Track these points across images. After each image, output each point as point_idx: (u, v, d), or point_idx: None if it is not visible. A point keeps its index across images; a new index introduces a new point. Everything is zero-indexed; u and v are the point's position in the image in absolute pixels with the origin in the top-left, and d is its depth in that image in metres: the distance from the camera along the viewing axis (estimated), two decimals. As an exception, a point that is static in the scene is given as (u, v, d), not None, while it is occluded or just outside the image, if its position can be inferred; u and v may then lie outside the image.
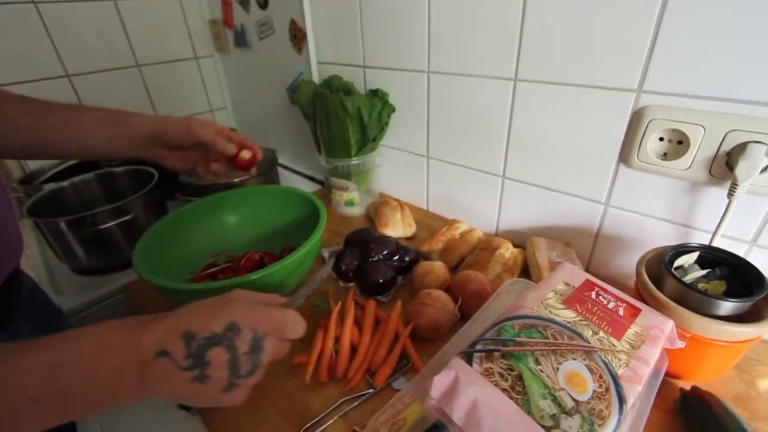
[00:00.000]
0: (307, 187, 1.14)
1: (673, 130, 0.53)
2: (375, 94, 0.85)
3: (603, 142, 0.61)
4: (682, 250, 0.50)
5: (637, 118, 0.56)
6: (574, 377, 0.35)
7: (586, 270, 0.56)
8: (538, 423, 0.32)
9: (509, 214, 0.79)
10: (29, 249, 0.92)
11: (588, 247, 0.70)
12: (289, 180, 1.20)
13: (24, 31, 0.96)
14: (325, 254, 0.76)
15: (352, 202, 0.92)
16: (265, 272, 0.50)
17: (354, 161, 0.86)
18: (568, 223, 0.71)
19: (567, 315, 0.41)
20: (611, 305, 0.42)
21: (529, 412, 0.33)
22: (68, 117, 0.56)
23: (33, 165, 1.02)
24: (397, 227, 0.83)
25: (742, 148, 0.49)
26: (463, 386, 0.34)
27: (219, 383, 0.35)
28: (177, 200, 0.88)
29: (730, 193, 0.50)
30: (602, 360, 0.36)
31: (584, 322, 0.40)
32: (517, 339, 0.38)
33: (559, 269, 0.48)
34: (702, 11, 0.47)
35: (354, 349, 0.55)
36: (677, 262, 0.49)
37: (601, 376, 0.35)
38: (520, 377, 0.35)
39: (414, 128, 0.86)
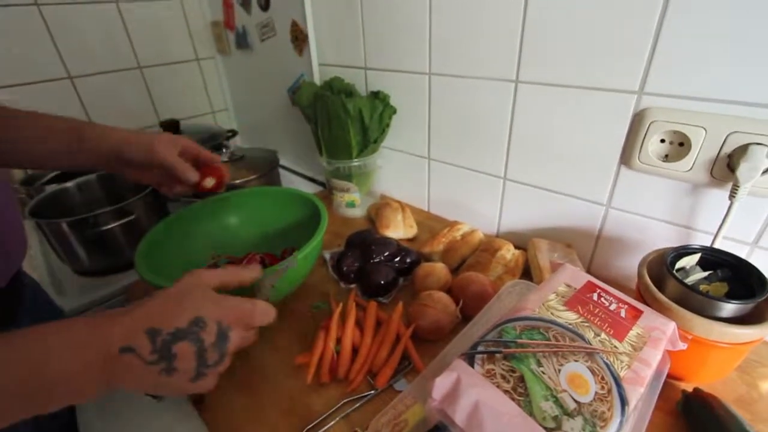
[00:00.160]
0: (308, 189, 1.14)
1: (675, 132, 0.53)
2: (376, 95, 0.85)
3: (604, 143, 0.61)
4: (684, 251, 0.50)
5: (638, 119, 0.56)
6: (576, 379, 0.35)
7: (588, 271, 0.56)
8: (540, 424, 0.32)
9: (510, 215, 0.79)
10: (31, 250, 0.92)
11: (589, 248, 0.70)
12: (290, 181, 1.20)
13: (27, 33, 0.97)
14: (326, 256, 0.76)
15: (353, 203, 0.92)
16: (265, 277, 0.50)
17: (355, 163, 0.86)
18: (569, 225, 0.71)
19: (569, 317, 0.41)
20: (613, 307, 0.42)
21: (531, 414, 0.33)
22: (23, 126, 0.53)
23: (35, 166, 1.02)
24: (398, 229, 0.83)
25: (743, 149, 0.49)
26: (464, 388, 0.34)
27: (186, 374, 0.36)
28: (178, 201, 0.88)
29: (732, 195, 0.50)
30: (604, 362, 0.36)
31: (586, 324, 0.40)
32: (519, 340, 0.38)
33: (560, 271, 0.48)
34: (703, 13, 0.47)
35: (355, 351, 0.55)
36: (679, 264, 0.49)
37: (603, 378, 0.35)
38: (521, 379, 0.35)
39: (415, 130, 0.86)
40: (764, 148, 0.47)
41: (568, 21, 0.57)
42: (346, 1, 0.84)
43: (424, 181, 0.92)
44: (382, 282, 0.65)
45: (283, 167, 1.25)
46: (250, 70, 1.24)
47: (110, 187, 0.91)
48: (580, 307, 0.42)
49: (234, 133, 1.14)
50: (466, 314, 0.57)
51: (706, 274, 0.48)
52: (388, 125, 0.87)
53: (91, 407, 0.54)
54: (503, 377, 0.35)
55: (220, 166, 0.63)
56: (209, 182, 0.61)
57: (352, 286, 0.69)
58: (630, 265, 0.66)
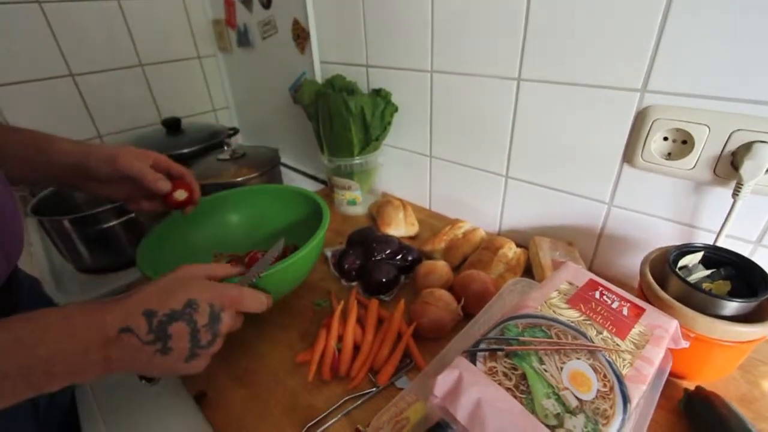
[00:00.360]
0: (310, 187, 1.14)
1: (678, 130, 0.53)
2: (378, 93, 0.85)
3: (607, 141, 0.60)
4: (687, 249, 0.50)
5: (641, 117, 0.56)
6: (578, 376, 0.35)
7: (589, 270, 0.56)
8: (542, 422, 0.32)
9: (512, 213, 0.79)
10: (33, 247, 0.92)
11: (591, 246, 0.70)
12: (291, 179, 1.20)
13: (28, 31, 0.97)
14: (328, 253, 0.76)
15: (354, 201, 0.92)
16: (268, 272, 0.50)
17: (357, 161, 0.86)
18: (571, 223, 0.71)
19: (571, 314, 0.41)
20: (615, 305, 0.42)
21: (533, 412, 0.33)
22: None
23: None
24: (399, 227, 0.83)
25: (747, 147, 0.48)
26: (467, 385, 0.34)
27: (181, 354, 0.38)
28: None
29: (735, 193, 0.50)
30: (606, 359, 0.36)
31: (588, 322, 0.40)
32: (521, 338, 0.38)
33: (562, 269, 0.48)
34: (706, 10, 0.47)
35: (357, 348, 0.55)
36: (681, 262, 0.49)
37: (605, 376, 0.35)
38: (524, 376, 0.35)
39: (417, 128, 0.86)
40: (768, 145, 0.47)
41: (571, 18, 0.57)
42: (347, -2, 0.84)
43: (425, 179, 0.92)
44: (384, 280, 0.65)
45: (285, 165, 1.25)
46: (252, 68, 1.24)
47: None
48: (582, 305, 0.42)
49: (235, 130, 1.14)
50: (468, 312, 0.57)
51: (708, 272, 0.48)
52: (389, 123, 0.87)
53: (92, 405, 0.54)
54: (505, 375, 0.35)
55: (192, 180, 0.60)
56: (181, 195, 0.58)
57: (354, 284, 0.69)
58: (632, 263, 0.66)
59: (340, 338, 0.55)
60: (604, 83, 0.57)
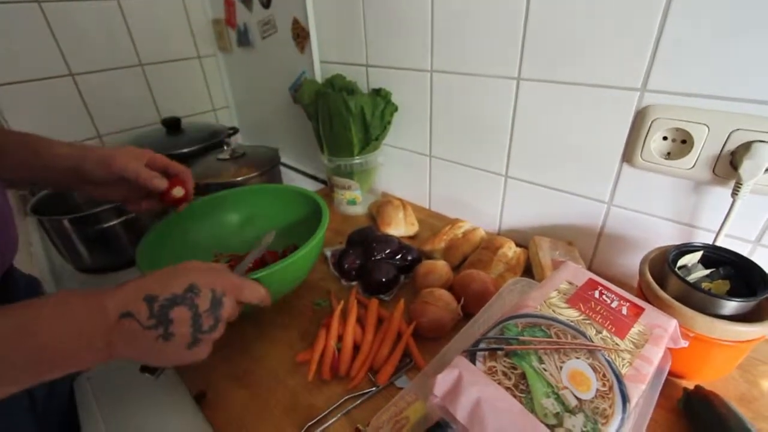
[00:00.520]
0: (310, 186, 1.14)
1: (677, 130, 0.53)
2: (378, 93, 0.85)
3: (606, 141, 0.60)
4: (686, 249, 0.50)
5: (640, 117, 0.56)
6: (577, 376, 0.35)
7: (589, 269, 0.56)
8: (542, 421, 0.32)
9: (512, 213, 0.79)
10: (32, 247, 0.92)
11: (591, 246, 0.70)
12: (291, 179, 1.20)
13: (28, 30, 0.96)
14: (328, 253, 0.76)
15: (354, 201, 0.92)
16: (267, 271, 0.50)
17: (356, 160, 0.86)
18: (570, 223, 0.71)
19: (570, 314, 0.41)
20: (615, 304, 0.42)
21: (532, 411, 0.33)
22: None
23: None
24: (399, 226, 0.83)
25: (746, 147, 0.48)
26: (466, 384, 0.34)
27: (183, 339, 0.38)
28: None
29: (734, 193, 0.50)
30: (606, 359, 0.36)
31: (588, 321, 0.40)
32: (521, 338, 0.38)
33: (562, 268, 0.48)
34: (706, 10, 0.47)
35: (357, 348, 0.55)
36: (681, 262, 0.49)
37: (604, 375, 0.35)
38: (523, 376, 0.35)
39: (417, 127, 0.86)
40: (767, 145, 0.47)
41: (570, 17, 0.57)
42: (347, -2, 0.84)
43: (425, 178, 0.92)
44: (384, 279, 0.65)
45: (285, 165, 1.25)
46: (252, 67, 1.24)
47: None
48: (581, 305, 0.42)
49: (235, 130, 1.14)
50: (468, 312, 0.58)
51: (708, 272, 0.48)
52: (389, 123, 0.87)
53: (91, 402, 0.54)
54: (505, 374, 0.35)
55: (188, 177, 0.60)
56: (178, 192, 0.58)
57: (354, 283, 0.69)
58: (631, 262, 0.66)
59: (340, 338, 0.55)
60: (603, 82, 0.57)
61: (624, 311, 0.42)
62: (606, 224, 0.67)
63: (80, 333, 0.34)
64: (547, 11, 0.59)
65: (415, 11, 0.74)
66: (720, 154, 0.51)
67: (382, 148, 0.91)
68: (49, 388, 0.55)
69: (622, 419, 0.32)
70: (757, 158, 0.47)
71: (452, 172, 0.85)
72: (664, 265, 0.48)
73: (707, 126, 0.50)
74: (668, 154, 0.55)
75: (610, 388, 0.34)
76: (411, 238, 0.85)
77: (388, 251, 0.71)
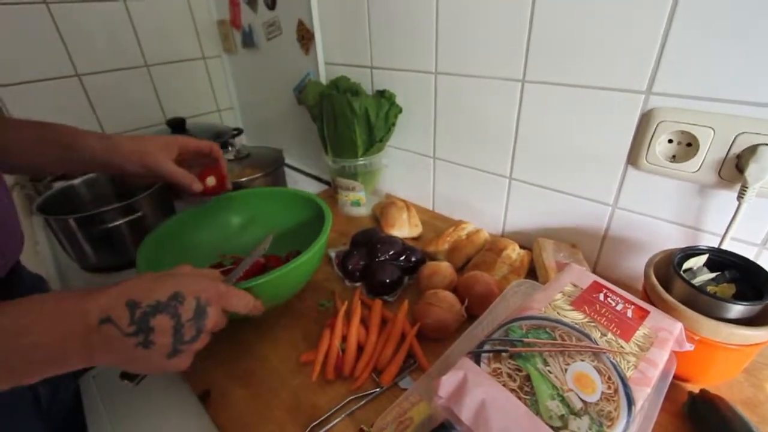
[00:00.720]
0: (314, 188, 1.14)
1: (683, 132, 0.53)
2: (382, 94, 0.85)
3: (611, 143, 0.60)
4: (691, 252, 0.49)
5: (645, 120, 0.56)
6: (582, 378, 0.35)
7: (593, 272, 0.56)
8: (547, 423, 0.32)
9: (516, 215, 0.79)
10: (39, 246, 0.93)
11: (595, 248, 0.70)
12: (295, 180, 1.20)
13: (35, 31, 0.97)
14: (332, 254, 0.76)
15: (358, 202, 0.93)
16: (269, 277, 0.49)
17: (361, 162, 0.86)
18: (575, 225, 0.71)
19: (575, 316, 0.41)
20: (619, 307, 0.42)
21: (537, 413, 0.33)
22: (13, 136, 0.52)
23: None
24: (403, 228, 0.83)
25: (752, 150, 0.48)
26: (471, 386, 0.34)
27: (163, 349, 0.37)
28: (184, 200, 0.89)
29: (740, 196, 0.50)
30: (611, 361, 0.36)
31: (592, 324, 0.40)
32: (525, 340, 0.38)
33: (566, 271, 0.48)
34: (712, 12, 0.47)
35: (361, 349, 0.55)
36: (686, 265, 0.49)
37: (609, 378, 0.35)
38: (528, 378, 0.35)
39: (421, 129, 0.86)
40: (773, 148, 0.47)
41: (576, 20, 0.57)
42: (353, 0, 0.85)
43: (429, 180, 0.92)
44: (388, 280, 0.65)
45: (289, 166, 1.25)
46: (256, 68, 1.24)
47: (118, 184, 0.92)
48: (586, 307, 0.42)
49: (239, 131, 1.15)
50: (472, 313, 0.58)
51: (713, 275, 0.48)
52: (393, 124, 0.87)
53: (98, 402, 0.55)
54: (510, 376, 0.35)
55: (221, 165, 0.62)
56: (210, 181, 0.60)
57: (358, 284, 0.69)
58: (636, 265, 0.65)
59: (344, 338, 0.56)
60: (609, 85, 0.57)
61: (629, 314, 0.42)
62: (610, 227, 0.67)
63: (60, 335, 0.33)
64: (552, 13, 0.59)
65: (420, 13, 0.74)
66: (726, 158, 0.51)
67: (386, 149, 0.91)
68: (54, 385, 0.55)
69: (628, 422, 0.32)
70: (763, 161, 0.47)
71: (456, 173, 0.85)
72: (669, 268, 0.48)
73: (713, 129, 0.50)
74: (673, 156, 0.55)
75: (615, 390, 0.34)
76: (415, 239, 0.85)
77: (392, 252, 0.71)
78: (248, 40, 1.19)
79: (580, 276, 0.47)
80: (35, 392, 0.51)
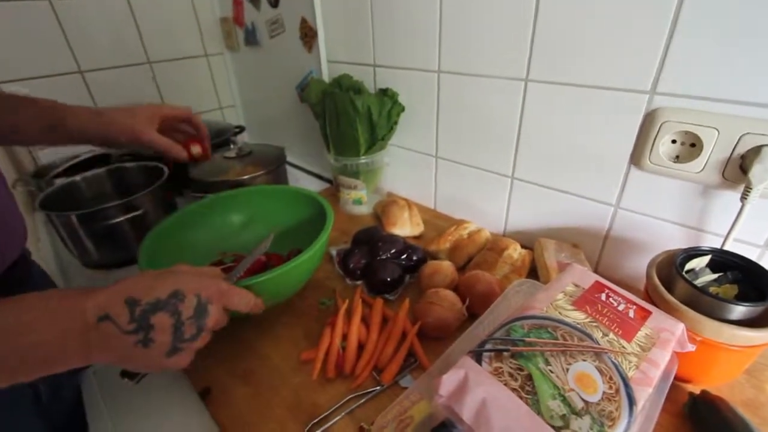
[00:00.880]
0: (315, 186, 1.14)
1: (686, 133, 0.53)
2: (385, 93, 0.85)
3: (614, 143, 0.60)
4: (694, 253, 0.49)
5: (649, 120, 0.55)
6: (583, 378, 0.35)
7: (595, 272, 0.56)
8: (548, 423, 0.32)
9: (517, 214, 0.79)
10: (41, 242, 0.93)
11: (597, 249, 0.70)
12: (297, 178, 1.20)
13: (39, 28, 0.97)
14: (333, 252, 0.76)
15: (360, 200, 0.93)
16: (270, 275, 0.50)
17: (363, 160, 0.86)
18: (577, 225, 0.71)
19: (577, 316, 0.41)
20: (621, 307, 0.42)
21: (538, 412, 0.33)
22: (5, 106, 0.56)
23: (45, 159, 1.04)
24: (404, 226, 0.83)
25: (756, 151, 0.48)
26: (472, 385, 0.34)
27: (162, 347, 0.36)
28: (186, 197, 0.89)
29: (744, 197, 0.50)
30: (612, 362, 0.36)
31: (594, 324, 0.40)
32: (527, 339, 0.38)
33: (568, 270, 0.48)
34: (717, 12, 0.47)
35: (361, 347, 0.55)
36: (688, 266, 0.49)
37: (611, 378, 0.35)
38: (529, 377, 0.35)
39: (423, 128, 0.86)
40: (778, 149, 0.47)
41: (580, 20, 0.57)
42: (355, -2, 0.85)
43: (431, 179, 0.92)
44: (389, 279, 0.65)
45: (291, 164, 1.25)
46: (259, 66, 1.24)
47: (119, 181, 0.92)
48: (588, 307, 0.42)
49: (241, 129, 1.15)
50: (473, 312, 0.58)
51: (715, 276, 0.48)
52: (396, 123, 0.87)
53: (98, 398, 0.55)
54: (511, 375, 0.35)
55: (203, 134, 0.70)
56: (195, 149, 0.68)
57: (359, 282, 0.69)
58: (638, 266, 0.65)
59: (345, 337, 0.56)
60: (612, 85, 0.57)
61: (631, 314, 0.41)
62: (612, 227, 0.66)
63: (58, 333, 0.33)
64: (556, 13, 0.59)
65: (423, 12, 0.74)
66: (729, 158, 0.51)
67: (388, 148, 0.91)
68: (55, 382, 0.55)
69: (629, 422, 0.32)
70: (766, 162, 0.47)
71: (458, 172, 0.85)
72: (671, 268, 0.48)
73: (717, 129, 0.50)
74: (677, 157, 0.55)
75: (617, 390, 0.34)
76: (416, 238, 0.85)
77: (393, 251, 0.71)
78: (251, 38, 1.19)
79: (582, 276, 0.47)
80: (35, 389, 0.51)
